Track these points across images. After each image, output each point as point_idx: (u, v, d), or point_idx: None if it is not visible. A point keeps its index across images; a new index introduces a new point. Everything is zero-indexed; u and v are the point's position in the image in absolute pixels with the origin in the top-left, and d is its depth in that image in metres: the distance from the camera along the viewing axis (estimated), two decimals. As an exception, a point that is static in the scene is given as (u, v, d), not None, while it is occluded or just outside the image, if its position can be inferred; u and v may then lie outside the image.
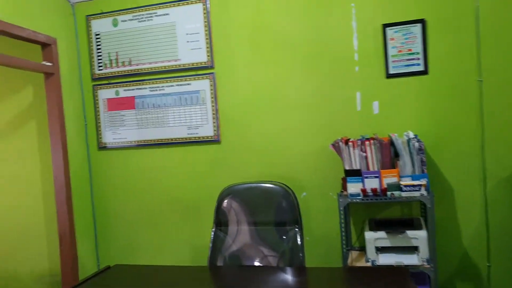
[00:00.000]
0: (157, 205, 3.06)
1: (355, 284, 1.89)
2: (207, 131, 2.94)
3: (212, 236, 2.40)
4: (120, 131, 3.08)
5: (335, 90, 2.72)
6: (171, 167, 3.03)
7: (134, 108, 3.04)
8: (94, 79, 3.12)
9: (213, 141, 2.93)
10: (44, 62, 2.86)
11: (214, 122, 2.92)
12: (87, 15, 3.09)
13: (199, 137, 2.96)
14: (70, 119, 3.00)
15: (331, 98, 2.73)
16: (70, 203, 2.94)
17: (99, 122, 3.13)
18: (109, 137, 3.11)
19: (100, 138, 3.13)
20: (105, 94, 3.10)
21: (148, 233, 3.10)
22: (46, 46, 2.87)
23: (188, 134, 2.98)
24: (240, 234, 2.39)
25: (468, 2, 2.49)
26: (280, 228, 2.34)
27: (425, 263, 2.30)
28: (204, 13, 2.87)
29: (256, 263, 2.29)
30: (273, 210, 2.38)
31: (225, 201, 2.43)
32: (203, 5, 2.87)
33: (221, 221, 2.42)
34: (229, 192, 2.46)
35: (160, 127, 3.01)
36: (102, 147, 3.14)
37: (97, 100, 3.12)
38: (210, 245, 2.38)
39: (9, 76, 3.07)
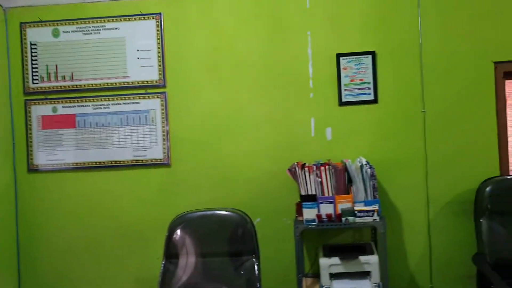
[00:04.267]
0: (98, 234, 2.79)
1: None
2: (156, 153, 2.77)
3: (162, 269, 2.23)
4: (56, 151, 2.78)
5: (290, 115, 2.72)
6: (115, 192, 2.79)
7: (75, 127, 2.78)
8: (27, 93, 2.81)
9: (163, 164, 2.77)
10: (-33, 72, 2.52)
11: (164, 144, 2.77)
12: (22, 22, 2.80)
13: (146, 160, 2.78)
14: (-6, 136, 2.65)
15: (286, 123, 2.73)
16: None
17: (31, 141, 2.80)
18: (42, 158, 2.79)
19: (31, 159, 2.80)
20: (40, 110, 2.79)
21: (87, 264, 2.79)
22: (-29, 53, 2.53)
23: (134, 156, 2.78)
24: (192, 267, 2.25)
25: (413, 38, 2.66)
26: (236, 258, 2.25)
27: (376, 288, 2.33)
28: (158, 30, 2.74)
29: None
30: (229, 240, 2.28)
31: (177, 230, 2.28)
32: (157, 22, 2.74)
33: (171, 252, 2.26)
34: (181, 221, 2.32)
35: (102, 148, 2.78)
36: (33, 170, 2.80)
37: (29, 116, 2.80)
38: (159, 279, 2.21)
39: None
